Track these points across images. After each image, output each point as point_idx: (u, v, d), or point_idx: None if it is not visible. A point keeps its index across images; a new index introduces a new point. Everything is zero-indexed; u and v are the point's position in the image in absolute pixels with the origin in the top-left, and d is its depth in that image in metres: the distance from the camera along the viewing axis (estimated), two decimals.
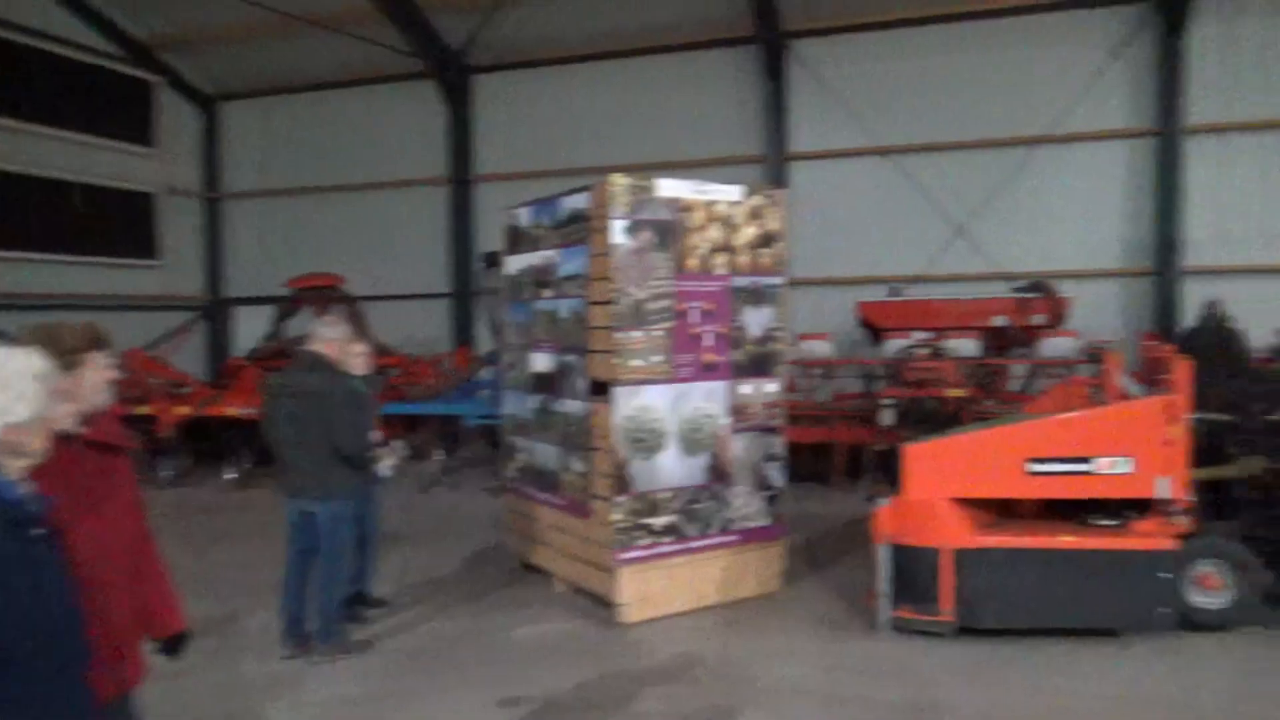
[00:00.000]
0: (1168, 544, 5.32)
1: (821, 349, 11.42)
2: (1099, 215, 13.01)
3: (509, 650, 5.55)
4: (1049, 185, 13.11)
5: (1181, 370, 5.46)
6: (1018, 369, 10.71)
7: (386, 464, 5.77)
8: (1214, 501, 6.33)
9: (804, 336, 11.75)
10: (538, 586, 6.72)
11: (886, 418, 9.48)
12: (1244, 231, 12.28)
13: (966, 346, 10.76)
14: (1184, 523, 5.39)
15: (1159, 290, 12.67)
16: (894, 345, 11.00)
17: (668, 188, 6.03)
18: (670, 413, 6.00)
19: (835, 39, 14.01)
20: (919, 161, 13.70)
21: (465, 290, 15.93)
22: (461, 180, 16.05)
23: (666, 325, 5.99)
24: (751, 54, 14.34)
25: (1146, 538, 5.33)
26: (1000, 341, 11.14)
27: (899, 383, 9.86)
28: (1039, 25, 13.10)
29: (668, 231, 6.00)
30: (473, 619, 6.10)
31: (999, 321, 11.09)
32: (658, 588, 5.99)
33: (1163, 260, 12.59)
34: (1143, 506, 5.47)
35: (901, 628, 5.55)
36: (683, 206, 6.06)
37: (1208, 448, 6.39)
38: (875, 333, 11.80)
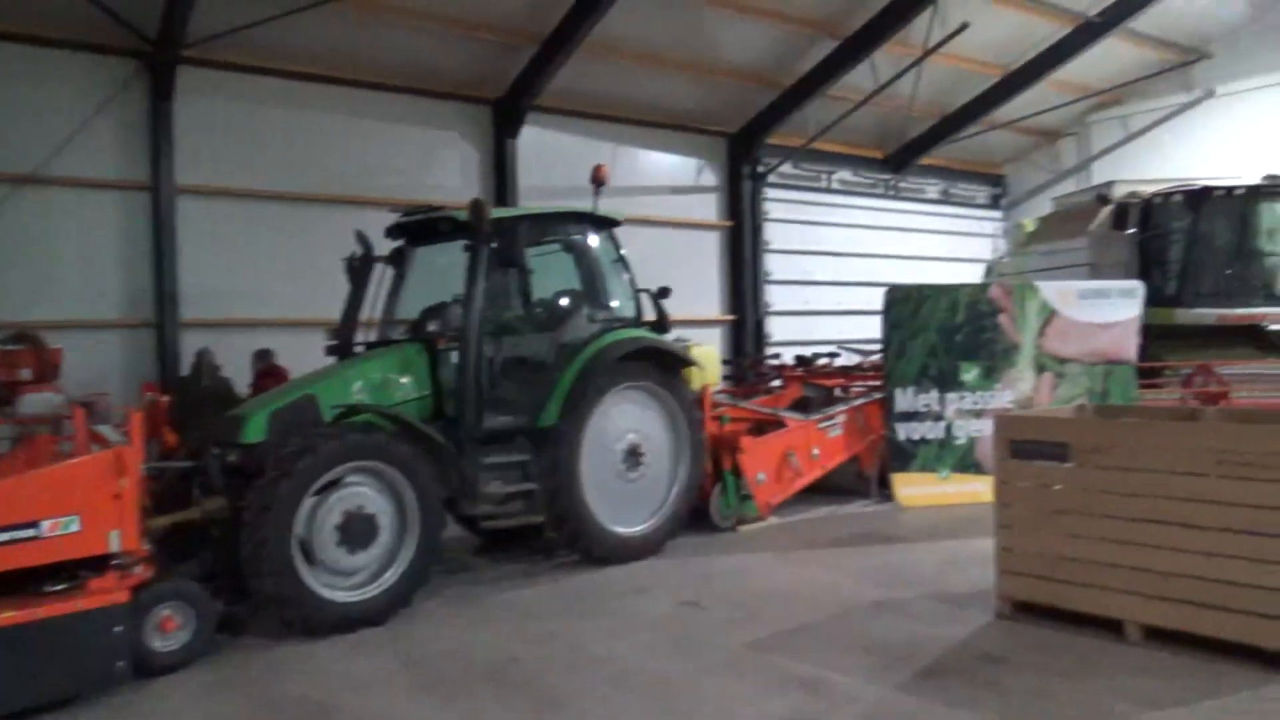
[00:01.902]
0: (122, 597, 5.33)
1: None
2: (97, 264, 12.69)
3: None
4: (39, 230, 12.24)
5: (135, 420, 5.59)
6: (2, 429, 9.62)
7: None
8: (183, 544, 6.64)
9: None
10: None
11: None
12: (232, 288, 13.46)
13: None
14: (141, 572, 5.50)
15: (160, 341, 12.97)
16: None
17: None
18: None
19: None
20: None
21: None
22: None
23: None
24: None
25: (99, 595, 5.26)
26: None
27: None
28: (16, 58, 12.16)
29: None
30: None
31: None
32: None
33: (162, 312, 12.94)
34: (101, 563, 5.40)
35: None
36: None
37: (180, 493, 6.73)
38: None
